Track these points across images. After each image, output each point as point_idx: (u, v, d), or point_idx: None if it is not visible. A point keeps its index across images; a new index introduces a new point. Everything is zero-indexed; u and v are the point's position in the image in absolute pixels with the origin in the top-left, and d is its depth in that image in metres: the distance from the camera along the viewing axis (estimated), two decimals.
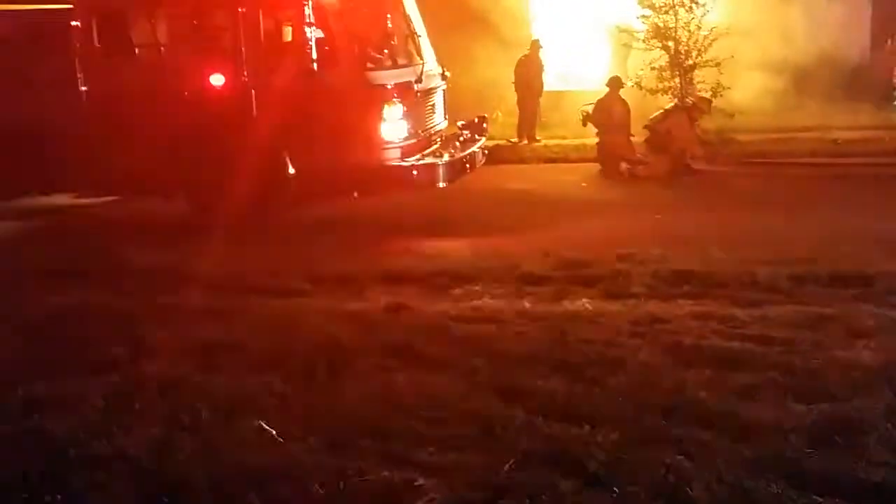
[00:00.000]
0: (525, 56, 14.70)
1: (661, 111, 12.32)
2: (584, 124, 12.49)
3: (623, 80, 12.79)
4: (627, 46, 14.76)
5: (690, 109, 12.36)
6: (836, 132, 13.40)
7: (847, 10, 16.09)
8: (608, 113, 12.17)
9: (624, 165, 11.80)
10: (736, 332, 5.49)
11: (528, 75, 14.60)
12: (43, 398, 4.62)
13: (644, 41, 13.81)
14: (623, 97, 12.43)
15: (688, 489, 3.63)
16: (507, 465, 3.87)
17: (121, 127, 9.16)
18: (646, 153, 11.97)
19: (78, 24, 9.34)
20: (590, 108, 12.38)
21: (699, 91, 13.51)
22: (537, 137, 14.65)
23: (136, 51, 9.78)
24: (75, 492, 3.73)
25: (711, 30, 13.52)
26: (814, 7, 15.66)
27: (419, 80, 9.39)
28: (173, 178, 9.18)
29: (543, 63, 14.74)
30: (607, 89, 12.46)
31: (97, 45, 9.38)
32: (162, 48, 9.61)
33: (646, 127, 12.16)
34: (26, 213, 10.37)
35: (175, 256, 7.69)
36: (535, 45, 14.66)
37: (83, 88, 9.34)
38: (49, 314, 6.10)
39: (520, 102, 14.70)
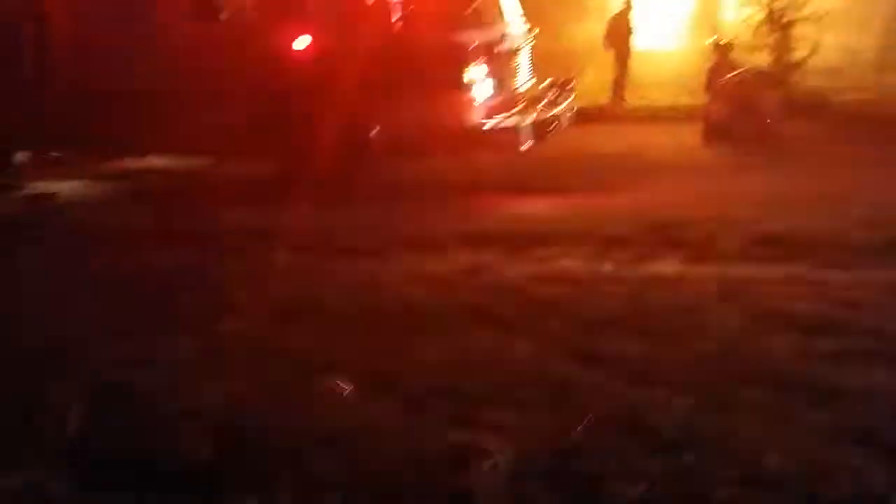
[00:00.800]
0: (617, 14, 14.38)
1: (736, 73, 11.74)
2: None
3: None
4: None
5: (767, 75, 11.79)
6: None
7: None
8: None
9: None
10: (826, 296, 5.28)
11: (619, 34, 14.30)
12: (130, 356, 4.76)
13: None
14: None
15: (762, 458, 3.51)
16: (578, 428, 3.82)
17: (210, 90, 9.32)
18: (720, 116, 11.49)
19: None
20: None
21: (796, 47, 13.01)
22: (625, 98, 14.35)
23: (224, 14, 9.90)
24: (157, 447, 3.83)
25: None
26: None
27: (504, 40, 9.27)
28: (261, 139, 9.30)
29: (633, 23, 14.41)
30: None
31: (186, 11, 9.53)
32: (248, 13, 9.70)
33: (713, 89, 11.64)
34: (120, 175, 10.70)
35: (262, 217, 7.82)
36: (628, 4, 14.34)
37: (175, 54, 9.50)
38: (139, 274, 6.28)
39: (614, 61, 14.44)
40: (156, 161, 10.59)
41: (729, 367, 4.40)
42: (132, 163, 10.72)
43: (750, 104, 11.35)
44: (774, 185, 8.63)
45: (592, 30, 14.73)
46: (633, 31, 14.43)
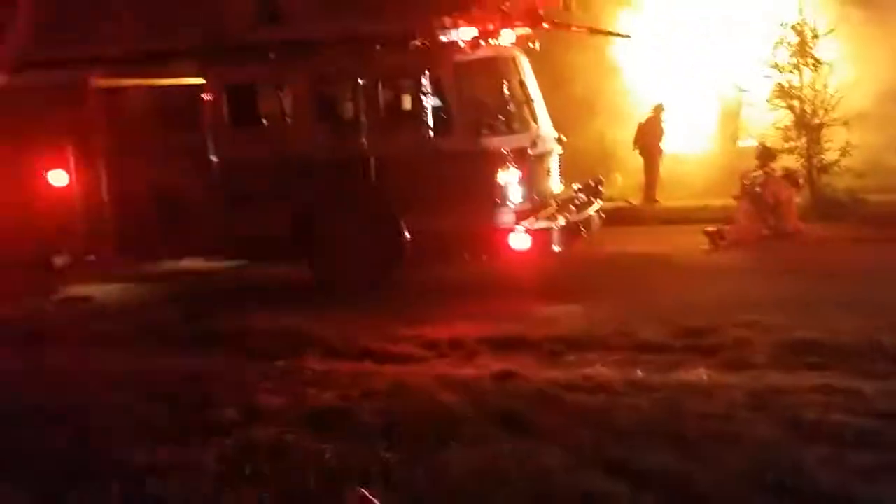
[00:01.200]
0: (648, 119, 14.63)
1: (761, 173, 11.78)
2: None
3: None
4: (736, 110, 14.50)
5: (790, 177, 11.79)
6: None
7: None
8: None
9: (710, 228, 11.32)
10: (860, 407, 5.21)
11: (650, 137, 14.53)
12: (158, 461, 4.78)
13: (768, 101, 13.48)
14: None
15: None
16: None
17: (248, 195, 9.56)
18: (739, 214, 11.48)
19: (209, 97, 9.85)
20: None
21: (826, 149, 13.10)
22: (657, 199, 14.47)
23: (263, 121, 10.24)
24: None
25: (838, 88, 13.10)
26: None
27: (534, 145, 9.45)
28: (297, 244, 9.47)
29: (664, 126, 14.63)
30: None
31: (226, 116, 9.86)
32: (287, 119, 10.01)
33: (743, 187, 11.68)
34: (157, 277, 10.89)
35: (295, 321, 7.89)
36: (659, 109, 14.59)
37: (213, 158, 9.80)
38: (170, 377, 6.35)
39: (644, 164, 14.62)
40: (191, 264, 10.77)
41: (765, 480, 4.32)
42: (168, 266, 10.91)
43: (774, 206, 11.36)
44: (802, 290, 8.57)
45: (622, 133, 14.97)
46: (664, 134, 14.65)
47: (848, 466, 4.40)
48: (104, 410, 5.64)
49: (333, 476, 4.62)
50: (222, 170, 9.80)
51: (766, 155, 12.06)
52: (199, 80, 9.86)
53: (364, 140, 9.35)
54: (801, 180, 12.07)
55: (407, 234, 9.22)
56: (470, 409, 5.52)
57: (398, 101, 9.90)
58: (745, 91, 14.19)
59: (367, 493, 4.38)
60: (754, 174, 11.74)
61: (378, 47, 9.37)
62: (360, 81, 9.41)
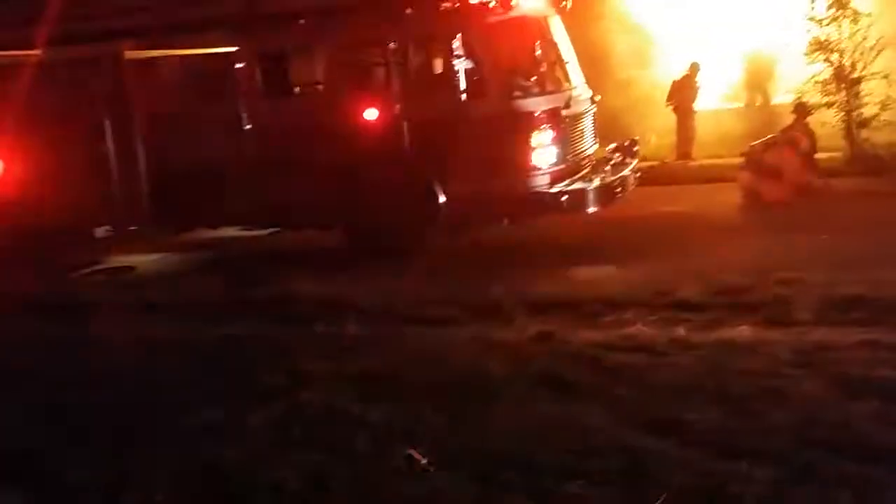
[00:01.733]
0: (683, 77, 14.48)
1: (761, 142, 11.56)
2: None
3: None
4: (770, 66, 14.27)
5: (796, 140, 11.46)
6: None
7: None
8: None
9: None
10: None
11: (685, 95, 14.39)
12: (210, 425, 4.87)
13: (806, 55, 13.23)
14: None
15: None
16: (658, 501, 3.78)
17: (282, 163, 9.59)
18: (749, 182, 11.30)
19: (241, 65, 9.86)
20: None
21: (865, 103, 12.86)
22: (692, 156, 14.33)
23: (296, 89, 10.24)
24: None
25: (878, 40, 12.82)
26: None
27: (567, 106, 9.38)
28: (332, 210, 9.51)
29: (699, 84, 14.48)
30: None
31: (259, 85, 9.87)
32: (319, 86, 10.00)
33: (744, 154, 11.49)
34: (195, 246, 10.99)
35: (333, 287, 7.94)
36: (695, 67, 14.44)
37: (246, 127, 9.83)
38: (216, 344, 6.44)
39: (678, 122, 14.49)
40: (229, 232, 10.85)
41: (812, 436, 4.31)
42: (208, 234, 11.00)
43: (775, 171, 11.13)
44: (840, 245, 8.46)
45: (655, 92, 14.80)
46: (698, 92, 14.48)
47: (894, 421, 4.37)
48: (153, 377, 5.74)
49: (381, 438, 4.67)
50: (256, 138, 9.84)
51: (802, 110, 11.87)
52: (232, 49, 9.86)
53: (396, 104, 9.32)
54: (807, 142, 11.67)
55: (442, 198, 9.21)
56: (511, 371, 5.54)
57: (430, 64, 9.85)
58: (782, 45, 13.89)
59: (414, 454, 4.43)
60: (755, 143, 11.56)
61: (408, 10, 9.30)
62: (391, 45, 9.37)
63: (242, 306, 7.52)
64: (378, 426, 4.85)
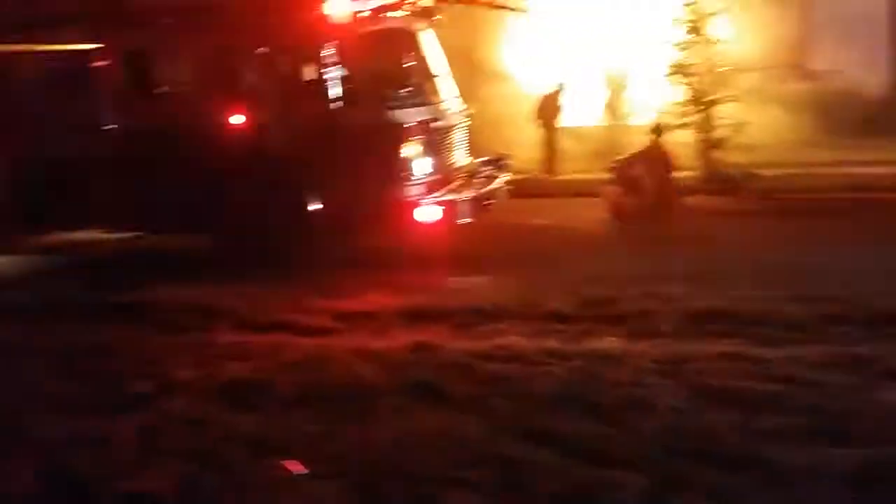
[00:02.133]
0: (549, 95, 14.83)
1: (626, 157, 12.07)
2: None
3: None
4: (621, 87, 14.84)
5: (656, 157, 11.73)
6: (857, 168, 13.36)
7: (867, 46, 16.04)
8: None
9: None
10: (765, 372, 5.44)
11: (551, 112, 14.76)
12: (73, 435, 4.64)
13: (666, 77, 13.82)
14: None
15: None
16: None
17: (147, 165, 9.26)
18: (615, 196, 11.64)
19: (103, 63, 9.47)
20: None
21: (719, 124, 13.51)
22: (556, 172, 14.71)
23: (161, 90, 9.88)
24: None
25: (729, 65, 13.53)
26: (833, 43, 15.68)
27: (439, 118, 9.45)
28: (199, 215, 9.24)
29: (564, 102, 14.89)
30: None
31: (123, 84, 9.50)
32: (185, 87, 9.71)
33: (610, 169, 11.96)
34: (55, 249, 10.44)
35: (200, 293, 7.73)
36: (560, 86, 14.83)
37: (108, 126, 9.44)
38: (79, 350, 6.14)
39: (545, 138, 14.86)
40: (88, 235, 10.37)
41: (678, 445, 4.48)
42: (69, 237, 10.47)
43: (638, 185, 11.58)
44: (698, 261, 8.84)
45: (522, 107, 15.15)
46: (562, 109, 14.90)
47: (756, 431, 4.59)
48: (10, 384, 5.42)
49: (253, 448, 4.56)
50: (119, 138, 9.46)
51: (659, 130, 12.36)
52: (95, 46, 9.46)
53: (266, 110, 9.17)
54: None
55: (312, 206, 9.10)
56: (387, 381, 5.53)
57: (301, 71, 9.69)
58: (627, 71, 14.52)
59: (289, 465, 4.34)
60: (620, 157, 12.02)
61: (280, 15, 9.17)
62: (261, 50, 9.22)
63: (107, 311, 7.20)
64: (251, 436, 4.74)
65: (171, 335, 6.59)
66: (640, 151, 12.02)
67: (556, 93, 14.85)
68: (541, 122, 14.84)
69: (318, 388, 5.43)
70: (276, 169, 9.10)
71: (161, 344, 6.35)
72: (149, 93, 9.70)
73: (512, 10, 11.43)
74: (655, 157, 11.87)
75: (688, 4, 13.49)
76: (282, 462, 4.41)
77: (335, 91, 8.97)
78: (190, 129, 9.21)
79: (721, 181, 12.97)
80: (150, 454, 4.48)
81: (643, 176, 11.53)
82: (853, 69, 15.57)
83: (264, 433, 4.76)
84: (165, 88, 9.87)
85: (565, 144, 15.11)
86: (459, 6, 10.40)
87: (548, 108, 14.80)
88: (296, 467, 4.37)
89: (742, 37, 14.04)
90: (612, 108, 15.72)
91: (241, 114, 9.22)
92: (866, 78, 15.88)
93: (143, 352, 6.14)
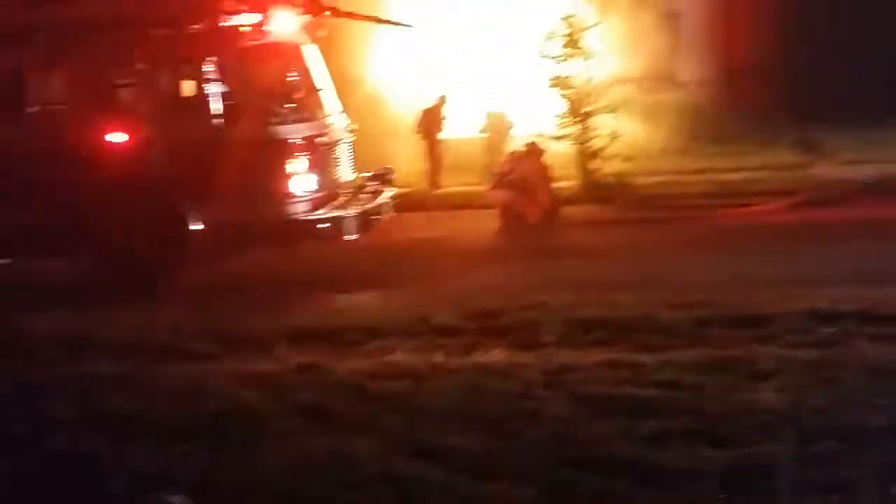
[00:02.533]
0: (431, 107, 14.93)
1: (508, 155, 12.29)
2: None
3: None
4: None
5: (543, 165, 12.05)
6: (724, 174, 13.99)
7: (731, 56, 16.84)
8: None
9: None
10: (645, 378, 5.61)
11: (432, 125, 14.87)
12: None
13: (548, 88, 14.13)
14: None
15: None
16: None
17: (16, 184, 8.87)
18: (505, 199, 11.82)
19: None
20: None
21: (595, 135, 13.88)
22: (440, 185, 14.81)
23: (36, 107, 9.48)
24: None
25: (605, 77, 13.95)
26: (700, 55, 16.38)
27: (324, 133, 9.40)
28: (74, 238, 8.92)
29: (445, 115, 15.00)
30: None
31: None
32: (59, 104, 9.36)
33: (494, 174, 12.19)
34: None
35: (76, 320, 7.43)
36: (442, 99, 14.93)
37: None
38: None
39: (428, 151, 14.94)
40: None
41: (565, 454, 4.57)
42: None
43: (528, 186, 11.81)
44: (580, 270, 9.11)
45: (403, 121, 15.24)
46: (444, 121, 15.02)
47: (639, 435, 4.73)
48: None
49: (137, 483, 4.42)
50: None
51: (534, 146, 12.60)
52: None
53: (146, 127, 8.95)
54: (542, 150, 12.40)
55: (195, 225, 8.90)
56: (275, 404, 5.45)
57: (181, 86, 9.50)
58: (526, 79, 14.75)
59: (175, 499, 4.22)
60: (502, 161, 12.28)
61: (158, 30, 8.96)
62: (139, 66, 8.99)
63: None
64: (134, 470, 4.59)
65: (46, 368, 6.30)
66: (520, 154, 12.25)
67: (438, 105, 14.98)
68: (422, 134, 14.94)
69: (203, 417, 5.29)
70: (156, 188, 8.89)
71: (35, 378, 6.06)
72: (18, 110, 9.30)
73: (396, 25, 11.47)
74: (536, 163, 12.12)
75: (564, 18, 13.84)
76: (168, 496, 4.28)
77: (216, 107, 8.84)
78: (64, 148, 8.91)
79: (598, 190, 13.35)
80: (26, 496, 4.27)
81: (528, 178, 11.73)
82: (717, 79, 16.33)
83: (147, 466, 4.61)
84: (38, 105, 9.49)
85: (447, 157, 15.25)
86: (344, 20, 10.36)
87: (429, 121, 14.92)
88: (183, 501, 4.24)
89: (616, 50, 14.51)
90: (494, 119, 15.96)
91: (120, 131, 8.99)
92: (731, 87, 16.66)
93: (16, 387, 5.85)
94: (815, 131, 14.93)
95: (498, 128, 15.22)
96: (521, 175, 11.70)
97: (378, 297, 8.36)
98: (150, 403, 5.54)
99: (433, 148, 14.98)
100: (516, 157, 12.18)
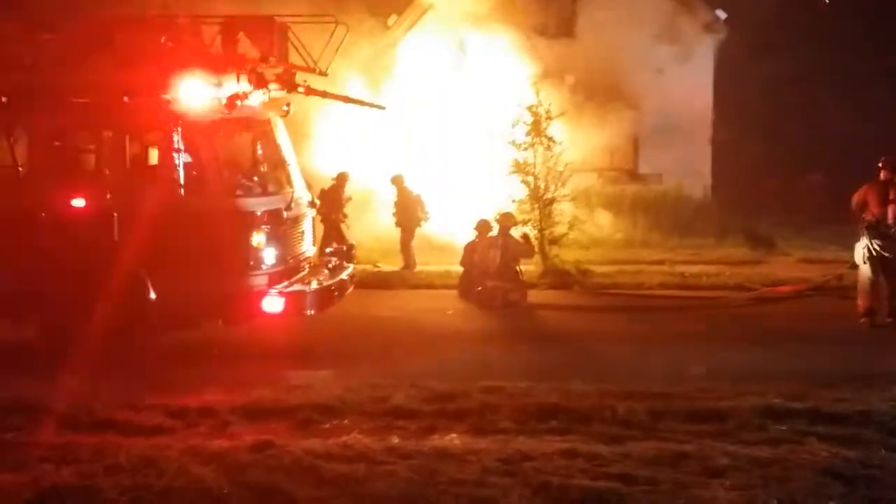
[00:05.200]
0: (330, 188, 14.14)
1: (483, 244, 12.45)
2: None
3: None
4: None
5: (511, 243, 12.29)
6: (681, 266, 14.24)
7: (690, 152, 17.31)
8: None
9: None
10: (601, 470, 5.63)
11: (331, 206, 13.92)
12: None
13: (508, 174, 14.34)
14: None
15: None
16: None
17: None
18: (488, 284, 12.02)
19: None
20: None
21: (556, 222, 14.09)
22: (411, 265, 14.66)
23: None
24: None
25: (566, 165, 14.22)
26: (660, 149, 16.85)
27: (289, 208, 9.43)
28: (23, 302, 8.78)
29: (348, 194, 14.46)
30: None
31: None
32: (20, 166, 9.30)
33: (465, 256, 12.37)
34: None
35: (24, 388, 7.28)
36: (342, 177, 14.33)
37: None
38: None
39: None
40: None
41: None
42: None
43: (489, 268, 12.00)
44: (538, 355, 9.17)
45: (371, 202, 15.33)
46: (346, 201, 14.36)
47: None
48: None
49: None
50: None
51: (506, 222, 12.77)
52: None
53: (107, 194, 8.90)
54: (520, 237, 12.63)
55: (153, 295, 8.82)
56: (227, 484, 5.36)
57: (147, 156, 9.51)
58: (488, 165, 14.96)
59: None
60: (471, 241, 12.46)
61: (126, 99, 9.01)
62: (105, 133, 8.99)
63: None
64: None
65: None
66: (490, 239, 12.41)
67: (338, 185, 14.28)
68: (322, 216, 12.93)
69: (152, 493, 5.18)
70: (114, 255, 8.80)
71: None
72: None
73: (369, 106, 11.62)
74: (513, 245, 12.31)
75: (529, 108, 14.15)
76: None
77: (180, 177, 8.84)
78: (26, 211, 8.81)
79: (558, 276, 13.49)
80: None
81: (509, 262, 11.94)
82: (676, 174, 16.78)
83: None
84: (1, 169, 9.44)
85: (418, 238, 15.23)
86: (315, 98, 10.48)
87: (328, 202, 13.72)
88: None
89: (578, 140, 14.83)
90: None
91: (80, 197, 8.92)
92: (688, 182, 17.12)
93: None
94: (770, 228, 15.33)
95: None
96: (505, 260, 11.95)
97: (337, 374, 8.29)
98: (95, 477, 5.43)
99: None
100: (492, 241, 12.34)
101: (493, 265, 12.13)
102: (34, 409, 6.75)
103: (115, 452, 5.92)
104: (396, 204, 14.74)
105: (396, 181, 14.76)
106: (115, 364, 8.26)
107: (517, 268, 12.30)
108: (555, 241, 14.09)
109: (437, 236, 15.37)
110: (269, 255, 9.01)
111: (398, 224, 14.70)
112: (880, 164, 10.60)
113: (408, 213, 14.63)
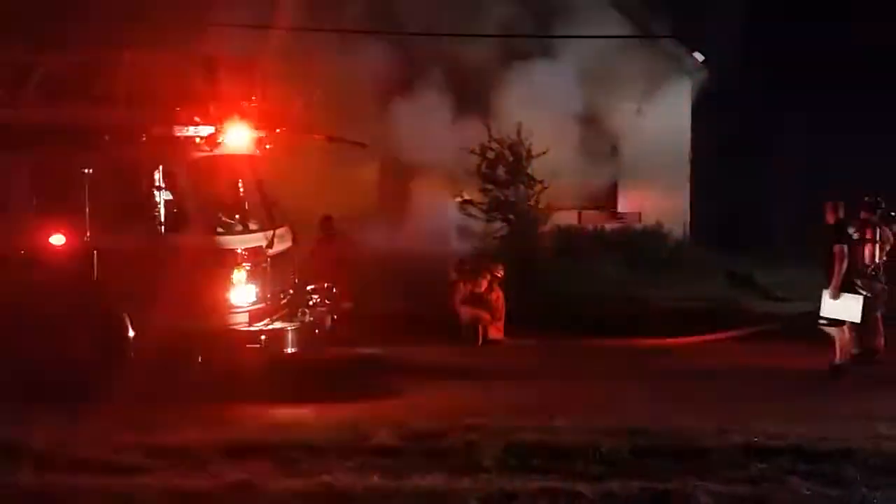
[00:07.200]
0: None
1: (468, 280, 12.48)
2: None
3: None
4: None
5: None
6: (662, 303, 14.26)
7: (668, 192, 17.40)
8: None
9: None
10: None
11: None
12: None
13: (486, 213, 14.41)
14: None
15: None
16: None
17: None
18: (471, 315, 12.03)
19: None
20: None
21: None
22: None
23: None
24: None
25: (548, 204, 14.33)
26: (641, 187, 16.95)
27: (270, 245, 9.41)
28: (4, 338, 8.69)
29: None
30: None
31: None
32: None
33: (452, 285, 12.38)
34: None
35: (2, 429, 7.18)
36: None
37: None
38: None
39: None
40: None
41: None
42: None
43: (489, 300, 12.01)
44: (519, 391, 9.14)
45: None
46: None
47: None
48: None
49: None
50: None
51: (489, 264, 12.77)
52: None
53: (86, 231, 8.86)
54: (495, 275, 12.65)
55: (132, 333, 8.76)
56: None
57: (128, 193, 9.45)
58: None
59: None
60: (456, 279, 12.47)
61: (107, 137, 9.01)
62: (86, 171, 8.97)
63: None
64: None
65: None
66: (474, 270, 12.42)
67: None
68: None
69: None
70: (93, 292, 8.76)
71: None
72: None
73: (351, 144, 11.65)
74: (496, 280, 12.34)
75: (510, 146, 14.26)
76: None
77: (166, 215, 8.84)
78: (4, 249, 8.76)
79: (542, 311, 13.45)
80: None
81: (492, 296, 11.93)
82: (655, 212, 16.86)
83: None
84: None
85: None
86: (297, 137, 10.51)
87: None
88: None
89: (558, 178, 14.91)
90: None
91: (58, 234, 8.88)
92: (667, 220, 17.19)
93: None
94: (749, 267, 15.43)
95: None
96: (487, 292, 11.94)
97: (317, 412, 8.24)
98: None
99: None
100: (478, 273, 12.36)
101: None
102: (10, 450, 6.65)
103: (92, 494, 5.85)
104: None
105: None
106: (95, 403, 8.17)
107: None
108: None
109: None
110: (251, 293, 8.98)
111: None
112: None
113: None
